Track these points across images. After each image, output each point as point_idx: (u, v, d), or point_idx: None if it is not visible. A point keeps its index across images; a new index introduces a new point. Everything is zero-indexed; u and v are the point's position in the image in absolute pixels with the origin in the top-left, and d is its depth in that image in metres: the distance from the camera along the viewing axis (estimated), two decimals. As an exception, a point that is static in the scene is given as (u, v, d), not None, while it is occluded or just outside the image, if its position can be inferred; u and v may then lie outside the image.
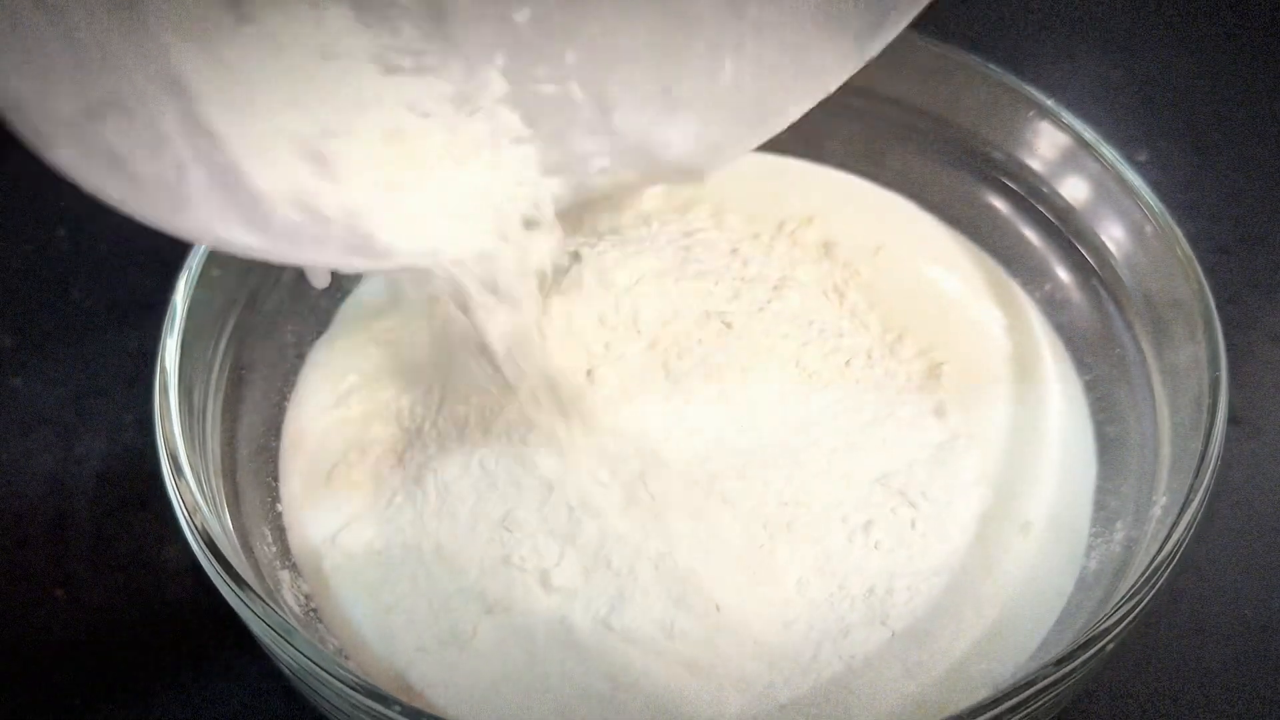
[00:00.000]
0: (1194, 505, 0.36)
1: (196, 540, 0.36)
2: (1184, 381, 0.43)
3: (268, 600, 0.35)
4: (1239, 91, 0.72)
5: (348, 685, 0.32)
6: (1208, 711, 0.46)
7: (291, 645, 0.33)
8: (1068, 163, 0.50)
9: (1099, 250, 0.49)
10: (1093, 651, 0.33)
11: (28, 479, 0.55)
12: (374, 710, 0.33)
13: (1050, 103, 0.50)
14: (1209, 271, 0.45)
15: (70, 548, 0.52)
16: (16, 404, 0.58)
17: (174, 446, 0.39)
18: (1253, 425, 0.55)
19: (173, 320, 0.43)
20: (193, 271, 0.44)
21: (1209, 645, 0.48)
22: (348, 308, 0.53)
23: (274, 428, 0.49)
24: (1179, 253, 0.44)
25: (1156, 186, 0.48)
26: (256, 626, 0.35)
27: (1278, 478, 0.53)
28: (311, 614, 0.42)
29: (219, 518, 0.39)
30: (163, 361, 0.42)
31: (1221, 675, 0.47)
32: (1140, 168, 0.48)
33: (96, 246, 0.65)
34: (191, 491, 0.38)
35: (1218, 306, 0.43)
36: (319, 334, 0.52)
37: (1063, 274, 0.51)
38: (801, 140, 0.58)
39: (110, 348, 0.60)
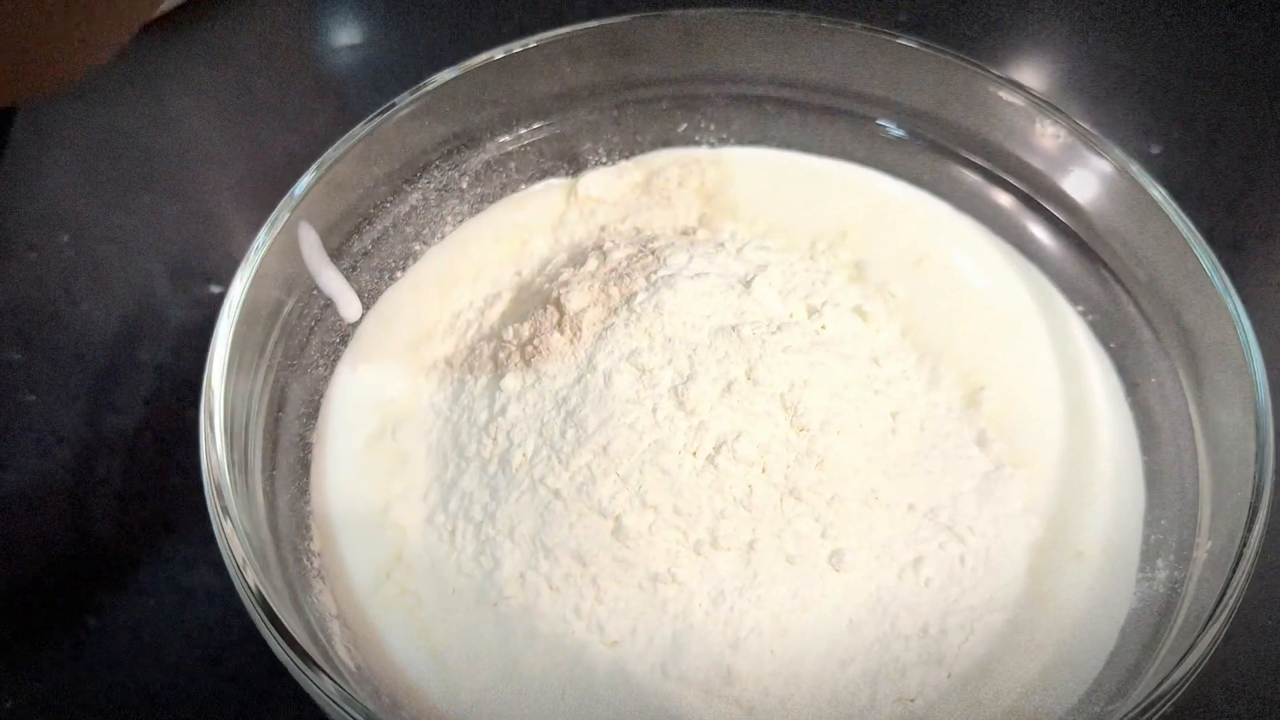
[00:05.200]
0: (1246, 561, 0.37)
1: (262, 619, 0.36)
2: (1224, 414, 0.44)
3: (333, 675, 0.35)
4: (1251, 80, 0.72)
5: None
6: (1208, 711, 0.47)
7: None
8: (1108, 187, 0.50)
9: (1134, 274, 0.50)
10: (1157, 714, 0.34)
11: (48, 502, 0.54)
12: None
13: (1089, 128, 0.49)
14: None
15: (97, 573, 0.52)
16: (31, 422, 0.56)
17: (232, 511, 0.38)
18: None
19: (214, 364, 0.42)
20: (234, 305, 0.43)
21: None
22: (368, 324, 0.52)
23: (305, 464, 0.48)
24: (1219, 286, 0.44)
25: (1169, 179, 0.48)
26: (325, 705, 0.35)
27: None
28: (362, 666, 0.42)
29: (270, 578, 0.39)
30: (209, 411, 0.41)
31: (1221, 674, 0.47)
32: (1154, 160, 0.48)
33: (100, 251, 0.64)
34: (254, 567, 0.37)
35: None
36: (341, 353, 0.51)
37: (1101, 295, 0.51)
38: (830, 143, 0.58)
39: (122, 361, 0.59)
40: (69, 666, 0.49)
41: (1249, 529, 0.38)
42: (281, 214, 0.45)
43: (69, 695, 0.48)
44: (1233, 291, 0.44)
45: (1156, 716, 0.35)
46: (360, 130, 0.48)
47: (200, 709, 0.48)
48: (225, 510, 0.38)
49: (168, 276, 0.63)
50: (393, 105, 0.49)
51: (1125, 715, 0.35)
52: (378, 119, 0.48)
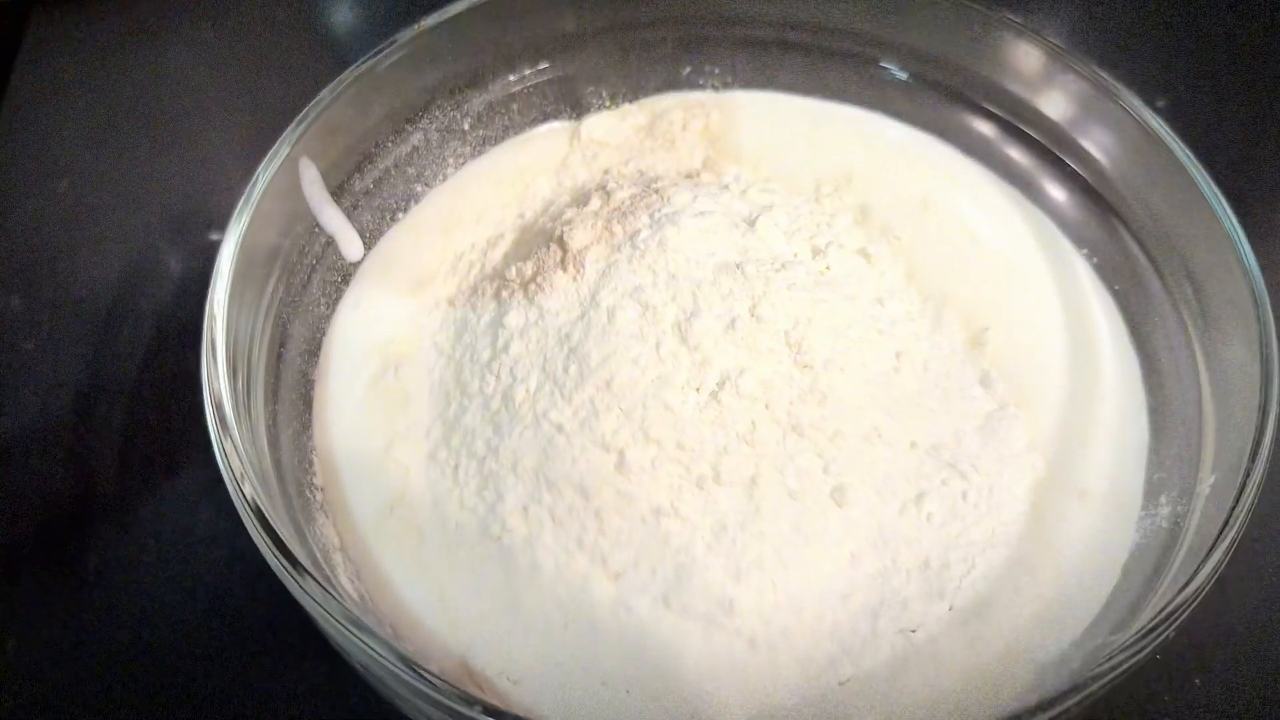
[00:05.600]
0: (1249, 496, 0.37)
1: (257, 528, 0.36)
2: (1229, 350, 0.44)
3: (338, 597, 0.35)
4: (1251, 80, 0.71)
5: (435, 689, 0.33)
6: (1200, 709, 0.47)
7: (378, 654, 0.33)
8: (1113, 130, 0.50)
9: (1139, 217, 0.49)
10: (1158, 640, 0.34)
11: (48, 448, 0.53)
12: (453, 710, 0.33)
13: (1098, 70, 0.49)
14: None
15: (98, 517, 0.52)
16: (31, 369, 0.56)
17: (232, 430, 0.38)
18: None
19: (216, 294, 0.42)
20: (237, 237, 0.43)
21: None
22: (370, 264, 0.52)
23: (308, 401, 0.48)
24: (1232, 240, 0.44)
25: (1176, 132, 0.48)
26: (335, 632, 0.35)
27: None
28: (365, 597, 0.42)
29: (272, 505, 0.39)
30: (211, 341, 0.40)
31: (1221, 674, 0.47)
32: (1160, 114, 0.48)
33: (100, 199, 0.63)
34: (252, 481, 0.37)
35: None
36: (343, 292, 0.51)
37: (1104, 238, 0.51)
38: (834, 87, 0.57)
39: (122, 308, 0.59)
40: (70, 608, 0.49)
41: (1253, 458, 0.38)
42: (282, 147, 0.45)
43: (70, 636, 0.48)
44: (1239, 228, 0.44)
45: (1155, 645, 0.35)
46: (360, 66, 0.48)
47: (200, 647, 0.48)
48: (225, 428, 0.38)
49: (167, 225, 0.62)
50: (393, 41, 0.48)
51: (1125, 642, 0.35)
52: (378, 54, 0.48)
